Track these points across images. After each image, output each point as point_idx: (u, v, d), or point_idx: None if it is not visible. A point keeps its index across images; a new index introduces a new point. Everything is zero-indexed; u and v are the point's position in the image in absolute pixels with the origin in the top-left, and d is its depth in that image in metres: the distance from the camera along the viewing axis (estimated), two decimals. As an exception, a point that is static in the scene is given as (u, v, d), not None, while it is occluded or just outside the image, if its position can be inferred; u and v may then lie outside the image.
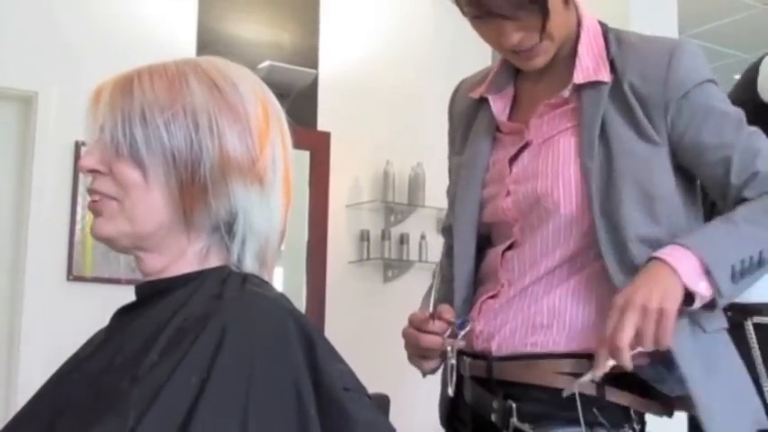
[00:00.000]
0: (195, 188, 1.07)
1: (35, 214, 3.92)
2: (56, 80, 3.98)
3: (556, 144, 1.45)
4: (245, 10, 4.60)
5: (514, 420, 1.39)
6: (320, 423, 0.97)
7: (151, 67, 1.12)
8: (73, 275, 3.96)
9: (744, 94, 2.14)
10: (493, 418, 1.43)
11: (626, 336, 1.28)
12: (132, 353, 1.03)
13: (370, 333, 4.28)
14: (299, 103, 4.47)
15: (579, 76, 1.44)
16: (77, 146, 3.95)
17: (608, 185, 1.40)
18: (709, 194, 1.51)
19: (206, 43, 4.37)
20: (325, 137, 4.65)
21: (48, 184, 3.95)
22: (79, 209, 3.99)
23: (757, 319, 2.02)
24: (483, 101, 1.58)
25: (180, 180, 1.07)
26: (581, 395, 1.34)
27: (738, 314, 2.07)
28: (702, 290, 1.32)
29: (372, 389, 1.37)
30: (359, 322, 4.51)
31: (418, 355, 1.49)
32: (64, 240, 3.97)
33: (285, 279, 4.54)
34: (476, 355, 1.49)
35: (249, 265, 1.12)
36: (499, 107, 1.55)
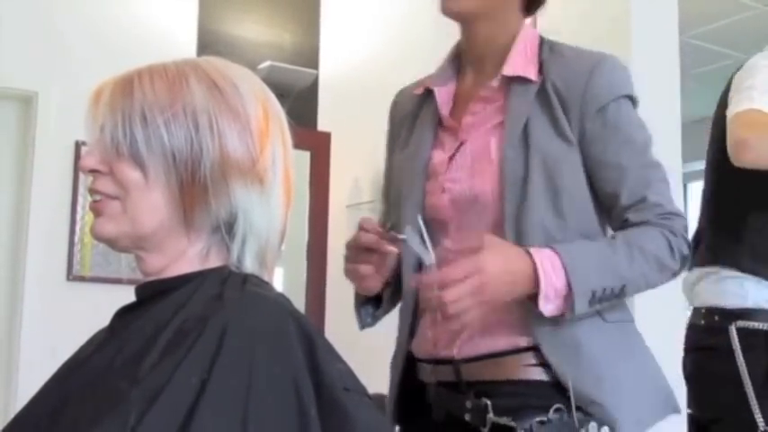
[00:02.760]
0: (195, 188, 1.07)
1: (35, 214, 3.92)
2: (56, 80, 3.98)
3: (487, 143, 1.51)
4: (245, 10, 4.60)
5: (491, 416, 1.42)
6: (320, 423, 0.97)
7: (151, 67, 1.12)
8: (73, 275, 3.96)
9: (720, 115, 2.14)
10: (467, 417, 1.46)
11: (451, 296, 1.31)
12: (132, 353, 1.03)
13: (370, 333, 4.27)
14: (300, 104, 4.47)
15: (508, 70, 1.52)
16: (77, 146, 3.95)
17: (522, 178, 1.46)
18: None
19: (206, 43, 4.37)
20: (326, 137, 4.65)
21: (48, 184, 3.95)
22: (79, 209, 3.99)
23: (741, 324, 2.02)
24: (426, 97, 1.64)
25: (180, 180, 1.08)
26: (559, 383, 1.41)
27: (723, 319, 2.06)
28: (549, 311, 1.39)
29: (372, 389, 1.37)
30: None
31: (357, 263, 1.51)
32: (64, 240, 3.96)
33: (285, 279, 4.54)
34: (439, 361, 1.53)
35: (249, 266, 1.12)
36: (443, 98, 1.61)
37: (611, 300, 1.43)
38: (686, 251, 1.49)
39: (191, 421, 0.92)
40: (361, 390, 1.07)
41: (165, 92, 1.09)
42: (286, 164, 1.15)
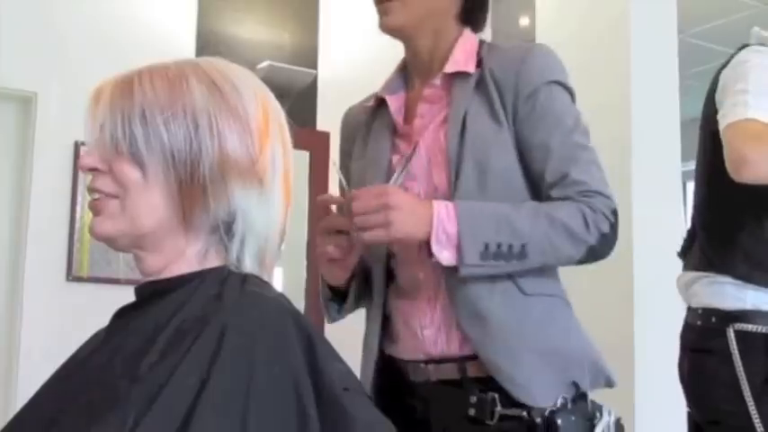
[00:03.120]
0: (194, 188, 1.07)
1: (34, 214, 3.92)
2: (55, 80, 3.98)
3: (437, 137, 1.57)
4: (244, 10, 4.60)
5: (499, 408, 1.45)
6: (320, 423, 0.96)
7: (151, 67, 1.12)
8: (72, 276, 3.96)
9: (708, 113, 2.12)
10: (471, 413, 1.48)
11: (360, 221, 1.42)
12: (131, 353, 1.03)
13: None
14: (299, 104, 4.47)
15: (449, 67, 1.59)
16: (77, 146, 3.94)
17: (457, 162, 1.52)
18: None
19: (206, 44, 4.37)
20: (325, 137, 4.65)
21: (47, 185, 3.95)
22: (78, 209, 3.98)
23: (739, 326, 2.01)
24: (378, 108, 1.70)
25: (179, 180, 1.07)
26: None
27: (720, 321, 2.05)
28: (444, 258, 1.45)
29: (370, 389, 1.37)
30: (358, 322, 4.49)
31: (328, 244, 1.53)
32: (63, 241, 3.96)
33: (285, 279, 4.54)
34: (438, 360, 1.54)
35: (248, 266, 1.12)
36: (395, 106, 1.66)
37: (511, 260, 1.45)
38: (606, 229, 1.49)
39: (190, 421, 0.92)
40: (361, 389, 1.07)
41: (165, 92, 1.09)
42: (286, 164, 1.15)
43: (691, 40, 5.49)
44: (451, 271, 1.47)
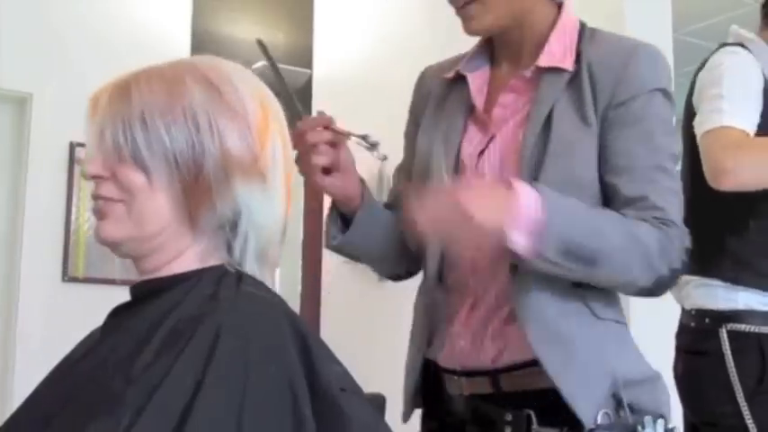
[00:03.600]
0: (199, 189, 1.07)
1: (30, 215, 3.92)
2: (50, 81, 3.98)
3: (516, 136, 1.44)
4: (239, 10, 4.59)
5: (536, 427, 1.35)
6: (316, 423, 0.96)
7: (147, 70, 1.12)
8: (68, 276, 3.96)
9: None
10: (507, 431, 1.38)
11: (426, 213, 1.28)
12: (126, 353, 1.03)
13: (366, 333, 4.27)
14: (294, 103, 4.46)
15: (544, 60, 1.44)
16: (72, 146, 3.94)
17: (537, 163, 1.39)
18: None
19: (200, 43, 4.37)
20: (320, 136, 4.65)
21: (42, 186, 3.95)
22: (74, 210, 3.98)
23: (731, 327, 2.00)
24: (455, 82, 1.55)
25: (183, 181, 1.07)
26: None
27: (713, 322, 2.05)
28: (520, 246, 1.28)
29: (368, 389, 1.37)
30: (354, 322, 4.50)
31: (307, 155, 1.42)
32: (59, 241, 3.96)
33: (280, 279, 4.54)
34: (470, 373, 1.45)
35: (251, 263, 1.12)
36: (477, 85, 1.52)
37: (577, 266, 1.31)
38: (677, 265, 1.38)
39: (185, 422, 0.92)
40: (357, 390, 1.07)
41: (163, 94, 1.08)
42: (286, 159, 1.16)
43: (686, 39, 5.50)
44: (513, 274, 1.37)
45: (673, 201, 1.40)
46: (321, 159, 1.42)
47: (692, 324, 2.09)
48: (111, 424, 0.93)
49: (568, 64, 1.43)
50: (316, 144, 1.41)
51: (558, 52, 1.44)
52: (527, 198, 1.28)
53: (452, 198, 1.26)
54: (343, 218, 1.52)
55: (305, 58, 4.71)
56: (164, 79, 1.10)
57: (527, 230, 1.27)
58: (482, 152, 1.47)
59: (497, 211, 1.26)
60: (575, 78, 1.42)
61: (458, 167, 1.49)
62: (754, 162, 1.91)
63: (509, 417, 1.38)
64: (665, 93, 1.43)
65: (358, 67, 4.71)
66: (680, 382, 2.13)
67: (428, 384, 1.52)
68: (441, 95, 1.57)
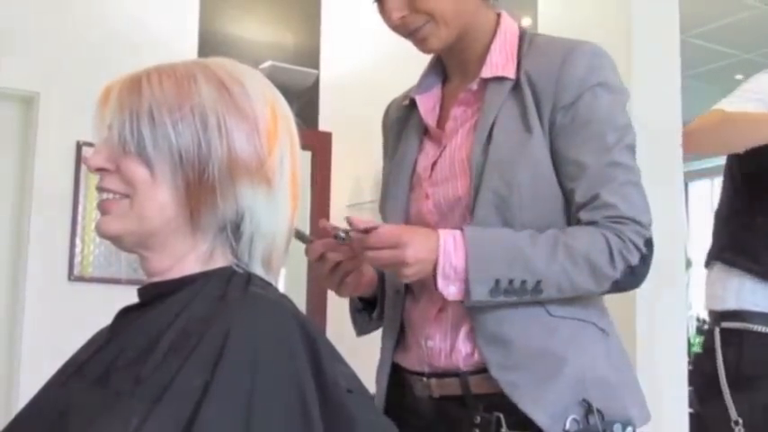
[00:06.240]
0: (202, 188, 1.07)
1: (36, 215, 3.92)
2: (57, 81, 3.98)
3: (465, 144, 1.47)
4: (246, 10, 4.59)
5: (505, 430, 1.35)
6: (324, 425, 0.96)
7: (159, 67, 1.12)
8: (74, 276, 3.96)
9: None
10: None
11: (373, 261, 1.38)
12: (135, 354, 1.03)
13: (373, 334, 4.26)
14: (301, 104, 4.47)
15: (487, 71, 1.47)
16: (79, 146, 3.95)
17: (480, 173, 1.41)
18: None
19: (208, 44, 4.37)
20: (327, 137, 4.65)
21: (49, 185, 3.95)
22: (80, 209, 3.99)
23: (724, 325, 2.13)
24: (412, 107, 1.59)
25: (187, 180, 1.07)
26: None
27: (712, 321, 2.20)
28: (450, 294, 1.36)
29: (374, 390, 1.37)
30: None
31: (338, 279, 1.48)
32: (65, 241, 3.96)
33: (287, 279, 4.53)
34: (441, 374, 1.45)
35: (255, 267, 1.12)
36: (427, 107, 1.56)
37: (524, 295, 1.34)
38: (634, 261, 1.36)
39: (194, 423, 0.92)
40: (364, 391, 1.07)
41: (174, 91, 1.09)
42: (293, 165, 1.15)
43: (693, 41, 5.49)
44: None
45: (628, 192, 1.40)
46: (335, 278, 1.47)
47: (705, 326, 2.25)
48: (119, 425, 0.93)
49: (510, 72, 1.46)
50: (330, 265, 1.46)
51: (499, 62, 1.47)
52: (448, 244, 1.35)
53: (388, 242, 1.33)
54: (364, 299, 1.61)
55: (312, 59, 4.71)
56: (175, 76, 1.10)
57: (454, 277, 1.34)
58: (435, 163, 1.51)
59: (425, 261, 1.34)
60: (516, 86, 1.45)
61: (412, 183, 1.54)
62: (715, 124, 2.12)
63: (477, 419, 1.39)
64: (605, 85, 1.43)
65: (366, 67, 4.70)
66: (689, 380, 2.31)
67: (394, 389, 1.54)
68: (401, 123, 1.63)
